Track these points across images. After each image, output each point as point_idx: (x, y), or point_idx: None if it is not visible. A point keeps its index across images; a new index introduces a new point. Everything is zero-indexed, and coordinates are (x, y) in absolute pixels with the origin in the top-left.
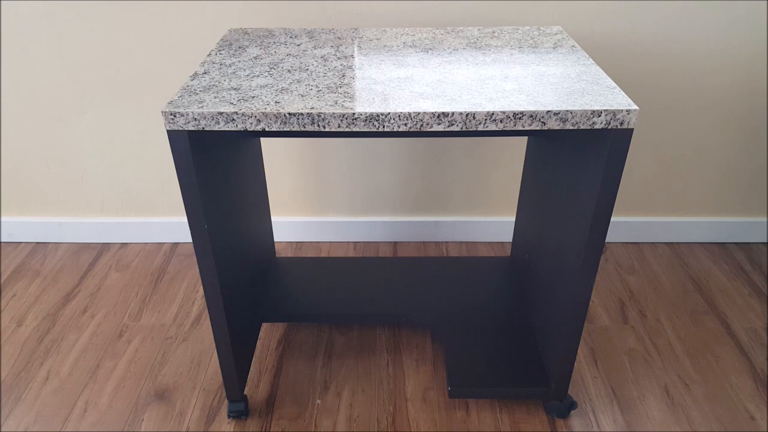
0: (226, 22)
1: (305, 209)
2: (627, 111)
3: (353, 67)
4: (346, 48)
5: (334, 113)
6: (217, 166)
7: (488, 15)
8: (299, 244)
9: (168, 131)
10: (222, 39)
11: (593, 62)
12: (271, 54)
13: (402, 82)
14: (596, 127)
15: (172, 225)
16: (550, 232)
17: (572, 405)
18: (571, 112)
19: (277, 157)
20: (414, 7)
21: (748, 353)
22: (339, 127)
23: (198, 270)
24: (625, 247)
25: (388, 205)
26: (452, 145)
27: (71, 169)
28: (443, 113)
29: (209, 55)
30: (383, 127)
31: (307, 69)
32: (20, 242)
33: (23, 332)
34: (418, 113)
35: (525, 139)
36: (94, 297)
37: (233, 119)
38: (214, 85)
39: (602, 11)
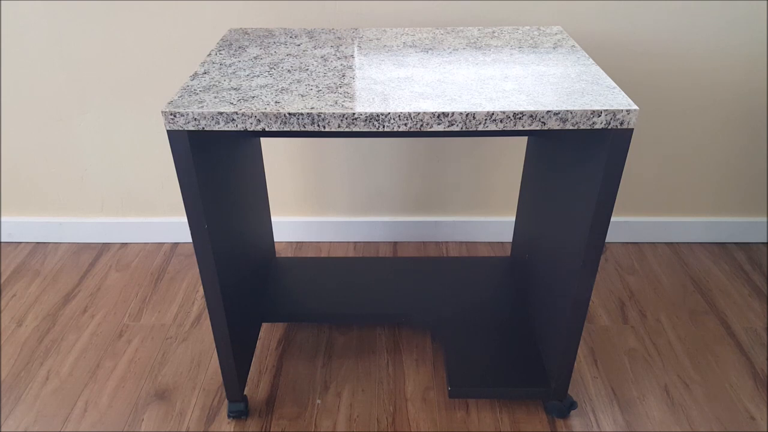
0: (226, 22)
1: (305, 209)
2: (627, 111)
3: (353, 67)
4: (346, 48)
5: (334, 113)
6: (217, 166)
7: (488, 15)
8: (299, 244)
9: (168, 131)
10: (222, 39)
11: (593, 62)
12: (271, 54)
13: (402, 82)
14: (596, 127)
15: (172, 225)
16: (550, 232)
17: (572, 405)
18: (571, 112)
19: (277, 157)
20: (414, 7)
21: (748, 353)
22: (339, 127)
23: (198, 270)
24: (625, 247)
25: (388, 205)
26: (452, 145)
27: (71, 169)
28: (443, 113)
29: (209, 55)
30: (383, 127)
31: (307, 69)
32: (20, 242)
33: (23, 332)
34: (418, 113)
35: (525, 139)
36: (94, 297)
37: (233, 119)
38: (214, 85)
39: (602, 11)
